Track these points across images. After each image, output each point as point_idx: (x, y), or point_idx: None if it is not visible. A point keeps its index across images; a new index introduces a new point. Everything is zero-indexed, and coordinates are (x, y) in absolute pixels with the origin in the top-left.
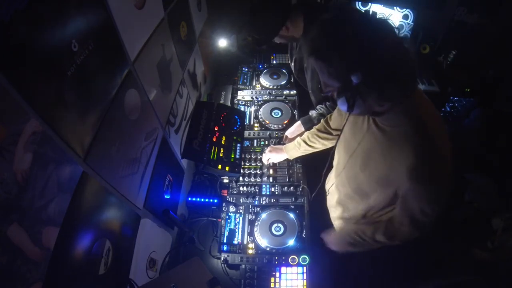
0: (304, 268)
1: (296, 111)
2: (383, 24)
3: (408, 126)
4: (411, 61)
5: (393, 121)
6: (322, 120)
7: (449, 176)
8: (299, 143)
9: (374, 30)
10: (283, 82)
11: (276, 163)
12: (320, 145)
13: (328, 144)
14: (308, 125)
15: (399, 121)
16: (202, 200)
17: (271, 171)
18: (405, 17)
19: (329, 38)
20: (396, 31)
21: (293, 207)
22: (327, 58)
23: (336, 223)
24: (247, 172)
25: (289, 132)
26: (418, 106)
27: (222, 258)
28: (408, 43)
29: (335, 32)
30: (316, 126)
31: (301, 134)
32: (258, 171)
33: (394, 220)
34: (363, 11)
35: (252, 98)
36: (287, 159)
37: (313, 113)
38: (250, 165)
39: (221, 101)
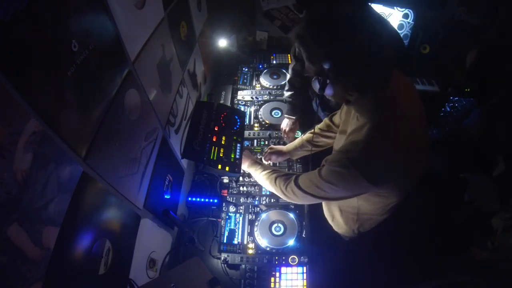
0: (304, 268)
1: None
2: (368, 25)
3: (369, 124)
4: (381, 64)
5: (361, 115)
6: (326, 119)
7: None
8: (303, 143)
9: (354, 29)
10: (283, 82)
11: (277, 163)
12: (324, 143)
13: (331, 143)
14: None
15: (363, 117)
16: (202, 200)
17: None
18: (405, 16)
19: (312, 28)
20: (380, 34)
21: (293, 207)
22: (307, 45)
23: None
24: (247, 172)
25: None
26: (384, 105)
27: (222, 258)
28: (390, 46)
29: (318, 24)
30: (319, 125)
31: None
32: None
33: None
34: (356, 7)
35: (252, 98)
36: (288, 158)
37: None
38: None
39: (221, 101)
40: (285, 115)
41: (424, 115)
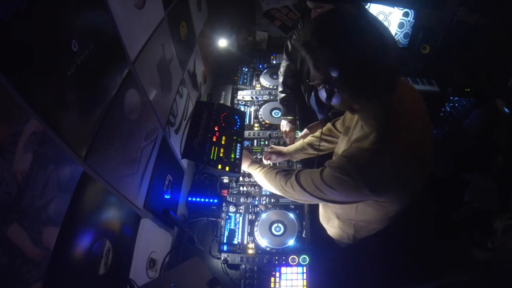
0: (304, 268)
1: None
2: (373, 29)
3: (374, 132)
4: (389, 68)
5: (366, 123)
6: (328, 124)
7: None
8: (304, 146)
9: (361, 34)
10: None
11: (276, 163)
12: (325, 148)
13: (333, 148)
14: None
15: (369, 125)
16: (202, 200)
17: None
18: (406, 14)
19: (318, 35)
20: (385, 38)
21: (293, 207)
22: (314, 53)
23: (328, 225)
24: (247, 172)
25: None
26: (390, 112)
27: (222, 258)
28: (394, 51)
29: (325, 30)
30: (322, 129)
31: (304, 136)
32: None
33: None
34: (363, 11)
35: (252, 98)
36: (288, 160)
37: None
38: None
39: (221, 101)
40: (282, 117)
41: (428, 118)
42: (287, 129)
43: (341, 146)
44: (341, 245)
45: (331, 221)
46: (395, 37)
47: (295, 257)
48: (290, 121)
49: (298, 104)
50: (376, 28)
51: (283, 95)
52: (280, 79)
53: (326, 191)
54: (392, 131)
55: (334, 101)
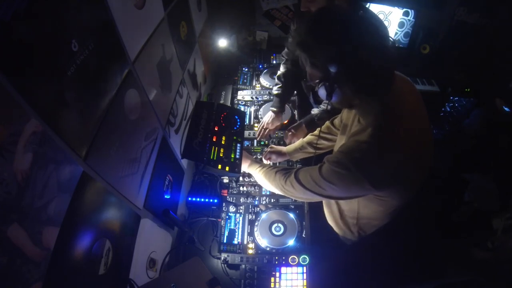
0: (304, 268)
1: (296, 111)
2: (370, 24)
3: (370, 127)
4: (387, 59)
5: (364, 117)
6: (327, 122)
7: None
8: (303, 145)
9: (356, 26)
10: None
11: (276, 163)
12: (324, 146)
13: (332, 146)
14: (311, 126)
15: (366, 119)
16: (202, 200)
17: None
18: (406, 13)
19: (314, 32)
20: (379, 30)
21: (293, 207)
22: (311, 50)
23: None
24: (247, 172)
25: (293, 131)
26: (389, 107)
27: (222, 258)
28: (391, 46)
29: (320, 26)
30: (321, 127)
31: (304, 136)
32: None
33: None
34: (354, 6)
35: (252, 98)
36: (288, 159)
37: (314, 110)
38: None
39: (221, 101)
40: (270, 108)
41: (427, 118)
42: (269, 121)
43: (339, 144)
44: (347, 242)
45: (335, 219)
46: (395, 37)
47: (295, 257)
48: (275, 114)
49: (298, 101)
50: (368, 19)
51: (278, 85)
52: (280, 71)
53: (325, 186)
54: (390, 128)
55: (334, 98)
